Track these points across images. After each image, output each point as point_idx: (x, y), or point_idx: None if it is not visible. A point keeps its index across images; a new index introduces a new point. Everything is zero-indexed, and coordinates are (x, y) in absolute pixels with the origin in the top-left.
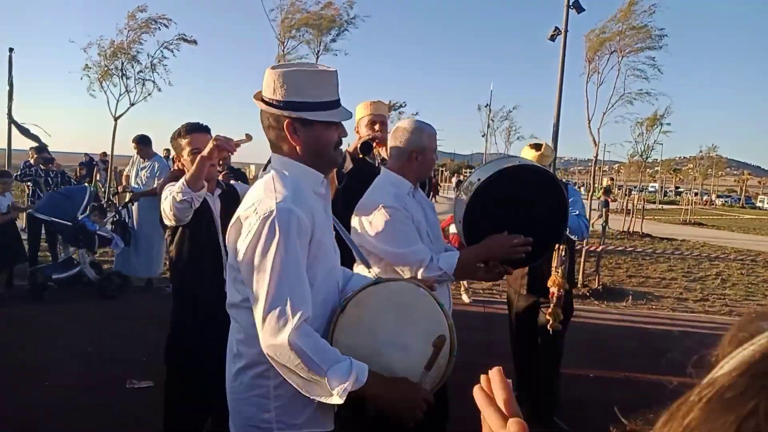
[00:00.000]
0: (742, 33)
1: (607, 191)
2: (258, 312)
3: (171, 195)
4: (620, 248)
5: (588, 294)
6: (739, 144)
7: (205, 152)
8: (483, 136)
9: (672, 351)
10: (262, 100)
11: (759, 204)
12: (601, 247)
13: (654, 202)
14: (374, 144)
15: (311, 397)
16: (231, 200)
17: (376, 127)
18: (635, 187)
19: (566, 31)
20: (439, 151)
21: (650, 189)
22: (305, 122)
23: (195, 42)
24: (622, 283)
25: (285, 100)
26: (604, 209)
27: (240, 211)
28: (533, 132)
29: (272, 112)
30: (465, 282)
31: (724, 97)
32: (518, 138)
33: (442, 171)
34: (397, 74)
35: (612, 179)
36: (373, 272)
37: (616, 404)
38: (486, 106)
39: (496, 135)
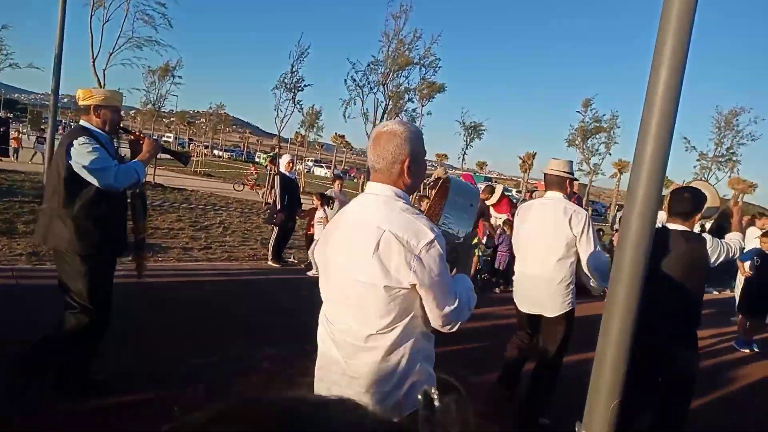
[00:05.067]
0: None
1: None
2: None
3: None
4: None
5: None
6: (245, 105)
7: None
8: None
9: None
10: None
11: (257, 159)
12: None
13: None
14: None
15: None
16: None
17: None
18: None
19: None
20: None
21: (165, 139)
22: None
23: None
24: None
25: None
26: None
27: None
28: (32, 60)
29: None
30: None
31: (232, 61)
32: (10, 65)
33: None
34: None
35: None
36: None
37: None
38: None
39: None
